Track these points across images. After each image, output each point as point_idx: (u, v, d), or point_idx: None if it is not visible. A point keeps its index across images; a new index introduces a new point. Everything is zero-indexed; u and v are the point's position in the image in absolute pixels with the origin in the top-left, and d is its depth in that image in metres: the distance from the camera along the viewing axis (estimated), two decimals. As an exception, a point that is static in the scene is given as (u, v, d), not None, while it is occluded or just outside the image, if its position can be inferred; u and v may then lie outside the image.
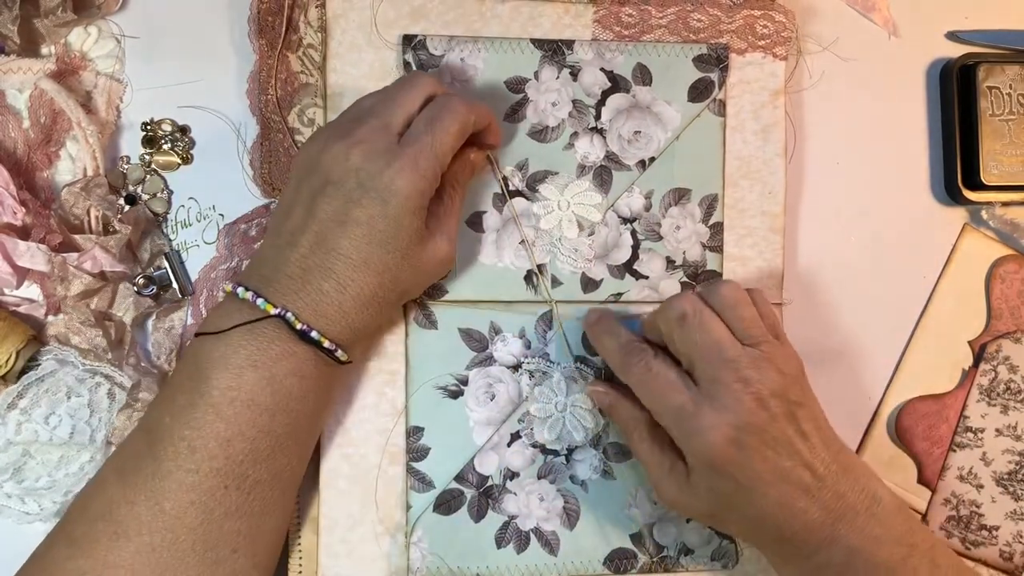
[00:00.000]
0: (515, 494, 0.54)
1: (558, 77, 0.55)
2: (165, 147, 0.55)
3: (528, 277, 0.55)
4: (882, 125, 0.60)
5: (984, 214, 0.59)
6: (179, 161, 0.56)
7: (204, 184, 0.56)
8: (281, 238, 0.46)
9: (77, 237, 0.52)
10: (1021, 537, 0.57)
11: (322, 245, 0.45)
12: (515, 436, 0.54)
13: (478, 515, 0.53)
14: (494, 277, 0.54)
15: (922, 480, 0.57)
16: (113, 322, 0.53)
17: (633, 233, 0.56)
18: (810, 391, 0.48)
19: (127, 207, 0.54)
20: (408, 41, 0.54)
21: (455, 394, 0.54)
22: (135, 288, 0.53)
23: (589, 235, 0.55)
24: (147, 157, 0.55)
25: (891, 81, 0.60)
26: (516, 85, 0.55)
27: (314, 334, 0.44)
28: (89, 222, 0.53)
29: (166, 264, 0.55)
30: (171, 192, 0.56)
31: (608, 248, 0.55)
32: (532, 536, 0.54)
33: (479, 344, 0.54)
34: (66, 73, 0.55)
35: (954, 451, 0.58)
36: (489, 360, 0.54)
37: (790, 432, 0.46)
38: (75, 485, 0.51)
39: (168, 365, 0.54)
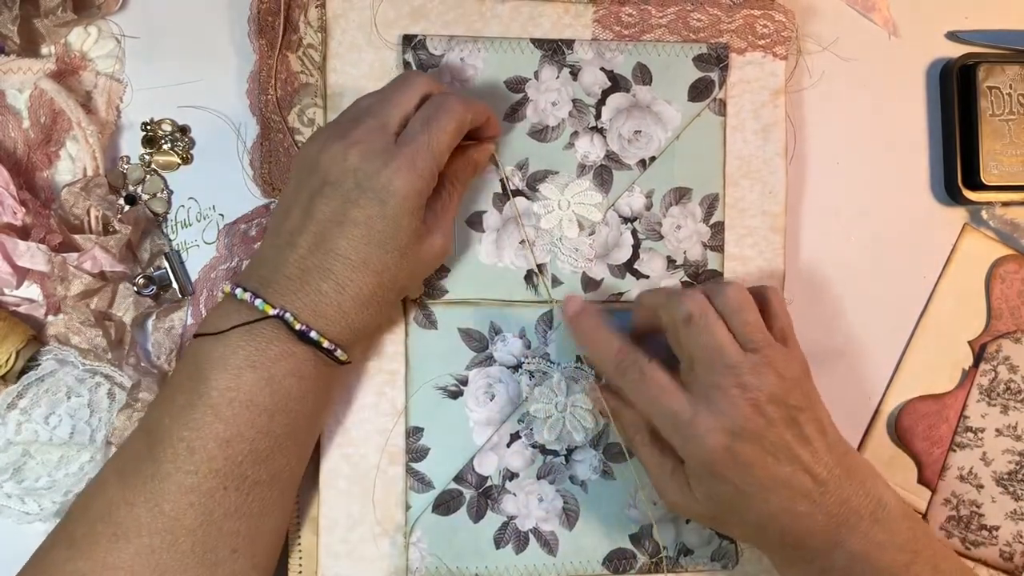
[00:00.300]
0: (514, 494, 0.54)
1: (558, 77, 0.55)
2: (165, 147, 0.56)
3: (528, 277, 0.55)
4: (882, 125, 0.60)
5: (984, 214, 0.59)
6: (179, 161, 0.56)
7: (204, 184, 0.56)
8: (279, 239, 0.46)
9: (77, 237, 0.52)
10: (1021, 537, 0.57)
11: (321, 246, 0.45)
12: (515, 436, 0.54)
13: (477, 515, 0.53)
14: (494, 277, 0.54)
15: (922, 480, 0.57)
16: (113, 322, 0.53)
17: (634, 232, 0.56)
18: (814, 394, 0.48)
19: (127, 207, 0.54)
20: (408, 41, 0.54)
21: (455, 394, 0.54)
22: (135, 288, 0.53)
23: (590, 235, 0.55)
24: (147, 157, 0.55)
25: (891, 81, 0.60)
26: (516, 85, 0.55)
27: (313, 334, 0.44)
28: (89, 222, 0.53)
29: (166, 264, 0.55)
30: (171, 192, 0.56)
31: (609, 248, 0.55)
32: (531, 536, 0.54)
33: (479, 344, 0.54)
34: (66, 73, 0.55)
35: (954, 451, 0.58)
36: (489, 360, 0.54)
37: (789, 437, 0.45)
38: (75, 485, 0.51)
39: (168, 365, 0.54)
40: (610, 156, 0.55)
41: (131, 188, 0.55)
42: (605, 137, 0.56)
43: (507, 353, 0.54)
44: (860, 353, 0.59)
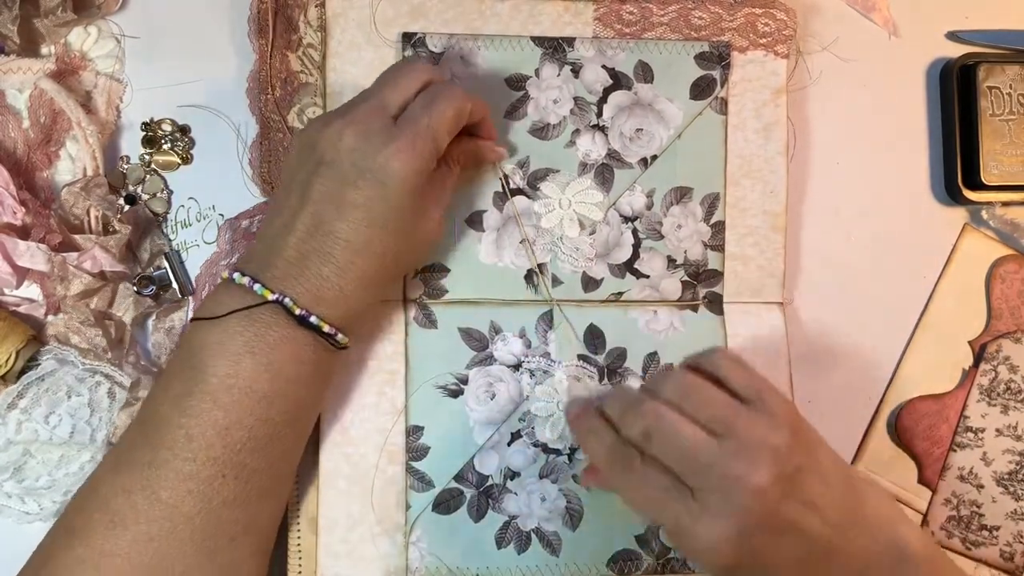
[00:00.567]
0: (516, 494, 0.53)
1: (559, 74, 0.55)
2: (165, 147, 0.55)
3: (528, 276, 0.55)
4: (882, 125, 0.60)
5: (984, 214, 0.59)
6: (179, 161, 0.56)
7: (204, 184, 0.56)
8: (278, 221, 0.46)
9: (77, 237, 0.52)
10: (1021, 537, 0.57)
11: (319, 228, 0.45)
12: (516, 435, 0.54)
13: (478, 515, 0.53)
14: (494, 276, 0.54)
15: (922, 480, 0.57)
16: (113, 321, 0.53)
17: (634, 232, 0.56)
18: (809, 436, 0.44)
19: (127, 207, 0.54)
20: (407, 39, 0.54)
21: (455, 393, 0.54)
22: (135, 288, 0.53)
23: (590, 234, 0.55)
24: (147, 157, 0.55)
25: (891, 81, 0.60)
26: (517, 82, 0.55)
27: (313, 319, 0.44)
28: (89, 222, 0.53)
29: (166, 264, 0.54)
30: (171, 192, 0.56)
31: (609, 247, 0.55)
32: (533, 536, 0.53)
33: (479, 343, 0.54)
34: (66, 73, 0.55)
35: (954, 451, 0.57)
36: (489, 359, 0.54)
37: (796, 510, 0.42)
38: (75, 484, 0.51)
39: (168, 365, 0.54)
40: (611, 154, 0.55)
41: (131, 188, 0.55)
42: (607, 135, 0.56)
43: (507, 352, 0.54)
44: (860, 353, 0.58)
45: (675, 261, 0.56)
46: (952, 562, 0.49)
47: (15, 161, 0.54)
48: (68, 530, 0.43)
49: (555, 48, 0.55)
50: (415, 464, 0.53)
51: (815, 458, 0.43)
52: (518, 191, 0.55)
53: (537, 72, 0.55)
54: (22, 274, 0.53)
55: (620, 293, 0.55)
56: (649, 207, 0.56)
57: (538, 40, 0.55)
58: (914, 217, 0.60)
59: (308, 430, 0.49)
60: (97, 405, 0.52)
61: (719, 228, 0.56)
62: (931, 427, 0.58)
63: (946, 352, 0.59)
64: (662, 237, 0.56)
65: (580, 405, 0.49)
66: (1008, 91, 0.59)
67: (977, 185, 0.58)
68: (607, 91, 0.56)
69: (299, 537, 0.52)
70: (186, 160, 0.56)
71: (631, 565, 0.53)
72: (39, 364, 0.52)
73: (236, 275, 0.44)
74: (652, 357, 0.55)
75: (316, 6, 0.55)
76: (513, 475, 0.54)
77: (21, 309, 0.53)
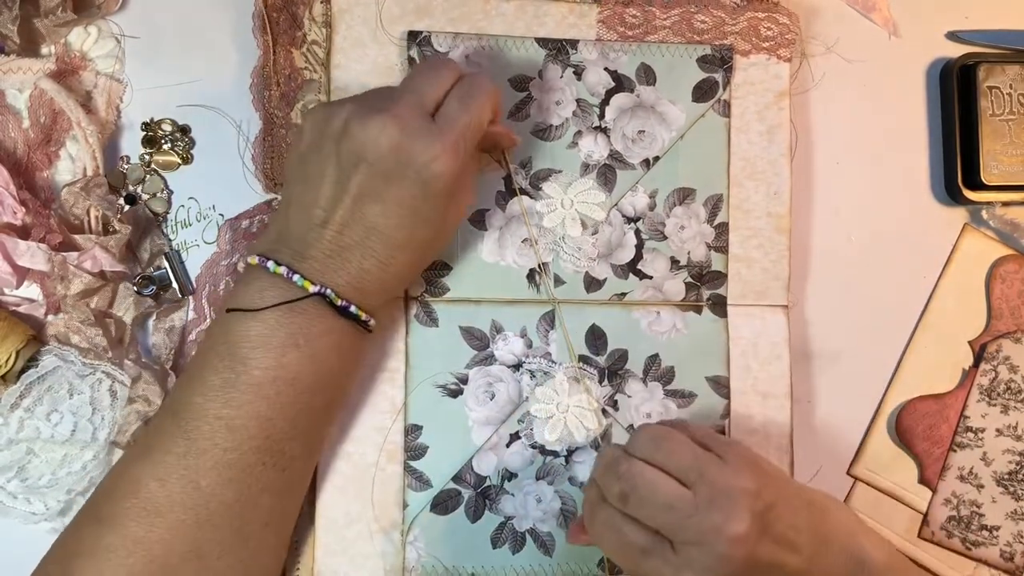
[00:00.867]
0: (512, 495, 0.54)
1: (562, 76, 0.55)
2: (165, 147, 0.55)
3: (531, 276, 0.55)
4: (882, 125, 0.60)
5: (984, 214, 0.59)
6: (179, 161, 0.56)
7: (204, 184, 0.56)
8: (310, 212, 0.45)
9: (77, 237, 0.52)
10: (1022, 537, 0.57)
11: (360, 223, 0.45)
12: (514, 436, 0.54)
13: (475, 515, 0.53)
14: (496, 275, 0.54)
15: (923, 480, 0.57)
16: (113, 320, 0.53)
17: (637, 232, 0.56)
18: (768, 469, 0.46)
19: (127, 207, 0.54)
20: (413, 37, 0.54)
21: (455, 393, 0.54)
22: (135, 288, 0.53)
23: (592, 234, 0.55)
24: (147, 157, 0.55)
25: (891, 81, 0.60)
26: (520, 83, 0.55)
27: (353, 309, 0.45)
28: (89, 222, 0.53)
29: (166, 264, 0.54)
30: (171, 192, 0.56)
31: (612, 247, 0.55)
32: (528, 537, 0.53)
33: (480, 343, 0.54)
34: (66, 73, 0.55)
35: (954, 451, 0.57)
36: (490, 359, 0.54)
37: (772, 551, 0.44)
38: (77, 483, 0.51)
39: (169, 363, 0.54)
40: (614, 155, 0.55)
41: (131, 188, 0.55)
42: (609, 136, 0.56)
43: (508, 352, 0.54)
44: (860, 353, 0.58)
45: (678, 262, 0.56)
46: (914, 567, 0.50)
47: (15, 161, 0.54)
48: (96, 519, 0.43)
49: (559, 50, 0.55)
50: (413, 463, 0.53)
51: (780, 490, 0.45)
52: (520, 190, 0.55)
53: (540, 73, 0.55)
54: (22, 274, 0.53)
55: (623, 294, 0.55)
56: (652, 208, 0.56)
57: (542, 42, 0.55)
58: (914, 217, 0.60)
59: (339, 413, 0.50)
60: (99, 403, 0.52)
61: (723, 229, 0.56)
62: (931, 427, 0.58)
63: (946, 352, 0.59)
64: (665, 238, 0.56)
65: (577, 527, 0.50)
66: (1008, 91, 0.59)
67: (977, 185, 0.58)
68: (609, 93, 0.56)
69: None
70: (186, 160, 0.56)
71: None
72: (39, 364, 0.52)
73: (270, 264, 0.44)
74: (654, 359, 0.55)
75: (322, 2, 0.55)
76: (510, 476, 0.54)
77: (21, 309, 0.53)
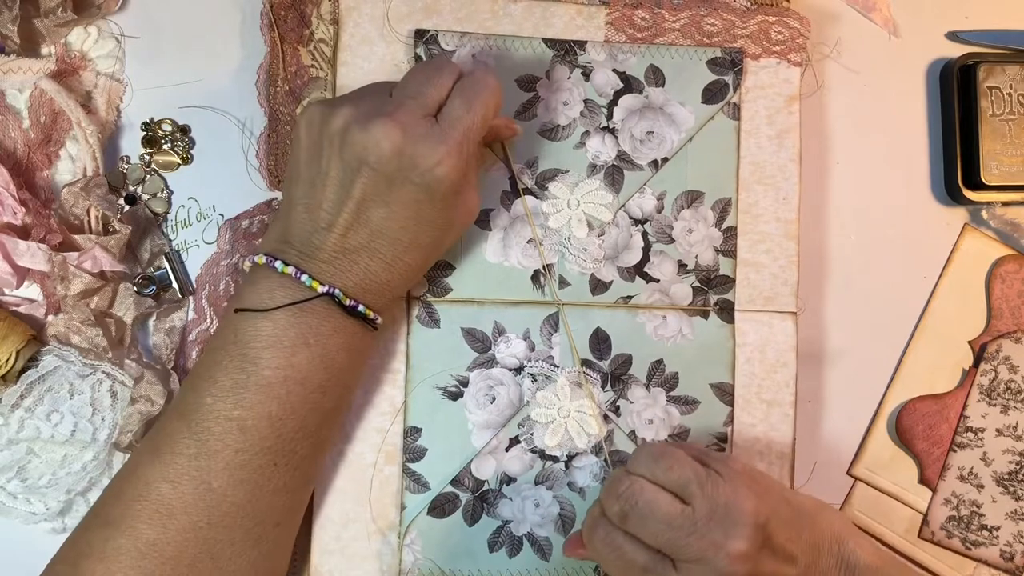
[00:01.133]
0: (510, 499, 0.53)
1: (570, 77, 0.55)
2: (165, 147, 0.55)
3: (535, 277, 0.54)
4: (882, 125, 0.60)
5: (984, 214, 0.59)
6: (179, 161, 0.56)
7: (204, 184, 0.56)
8: (315, 214, 0.45)
9: (77, 237, 0.52)
10: (1022, 537, 0.57)
11: (365, 226, 0.45)
12: (514, 441, 0.54)
13: (472, 519, 0.53)
14: (500, 276, 0.54)
15: (923, 480, 0.57)
16: (113, 320, 0.53)
17: (644, 235, 0.55)
18: (761, 480, 0.47)
19: (127, 207, 0.54)
20: (420, 36, 0.54)
21: (455, 395, 0.54)
22: (135, 288, 0.53)
23: (599, 235, 0.55)
24: (147, 157, 0.55)
25: (891, 81, 0.60)
26: (527, 83, 0.55)
27: (361, 308, 0.45)
28: (89, 222, 0.53)
29: (166, 264, 0.54)
30: (171, 192, 0.56)
31: (618, 249, 0.55)
32: (525, 541, 0.53)
33: (481, 345, 0.54)
34: (66, 73, 0.54)
35: (954, 451, 0.58)
36: (491, 361, 0.54)
37: (772, 565, 0.44)
38: (76, 484, 0.51)
39: (170, 364, 0.53)
40: (621, 156, 0.55)
41: (131, 188, 0.55)
42: (617, 137, 0.55)
43: (510, 355, 0.54)
44: (860, 353, 0.59)
45: (686, 266, 0.55)
46: (906, 567, 0.50)
47: (15, 161, 0.54)
48: (105, 521, 0.43)
49: (566, 51, 0.55)
50: (412, 465, 0.53)
51: (775, 503, 0.46)
52: (526, 191, 0.55)
53: (548, 74, 0.55)
54: (22, 274, 0.53)
55: (629, 297, 0.55)
56: (659, 210, 0.55)
57: (550, 42, 0.55)
58: (914, 217, 0.60)
59: (347, 409, 0.51)
60: (99, 404, 0.52)
61: (731, 233, 0.55)
62: (931, 427, 0.58)
63: (946, 352, 0.59)
64: (672, 241, 0.55)
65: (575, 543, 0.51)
66: (1008, 91, 0.59)
67: (977, 185, 0.58)
68: (617, 94, 0.55)
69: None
70: (186, 160, 0.56)
71: None
72: (39, 364, 0.52)
73: (278, 263, 0.44)
74: (658, 365, 0.54)
75: (330, 0, 0.55)
76: (509, 480, 0.53)
77: (21, 309, 0.53)
